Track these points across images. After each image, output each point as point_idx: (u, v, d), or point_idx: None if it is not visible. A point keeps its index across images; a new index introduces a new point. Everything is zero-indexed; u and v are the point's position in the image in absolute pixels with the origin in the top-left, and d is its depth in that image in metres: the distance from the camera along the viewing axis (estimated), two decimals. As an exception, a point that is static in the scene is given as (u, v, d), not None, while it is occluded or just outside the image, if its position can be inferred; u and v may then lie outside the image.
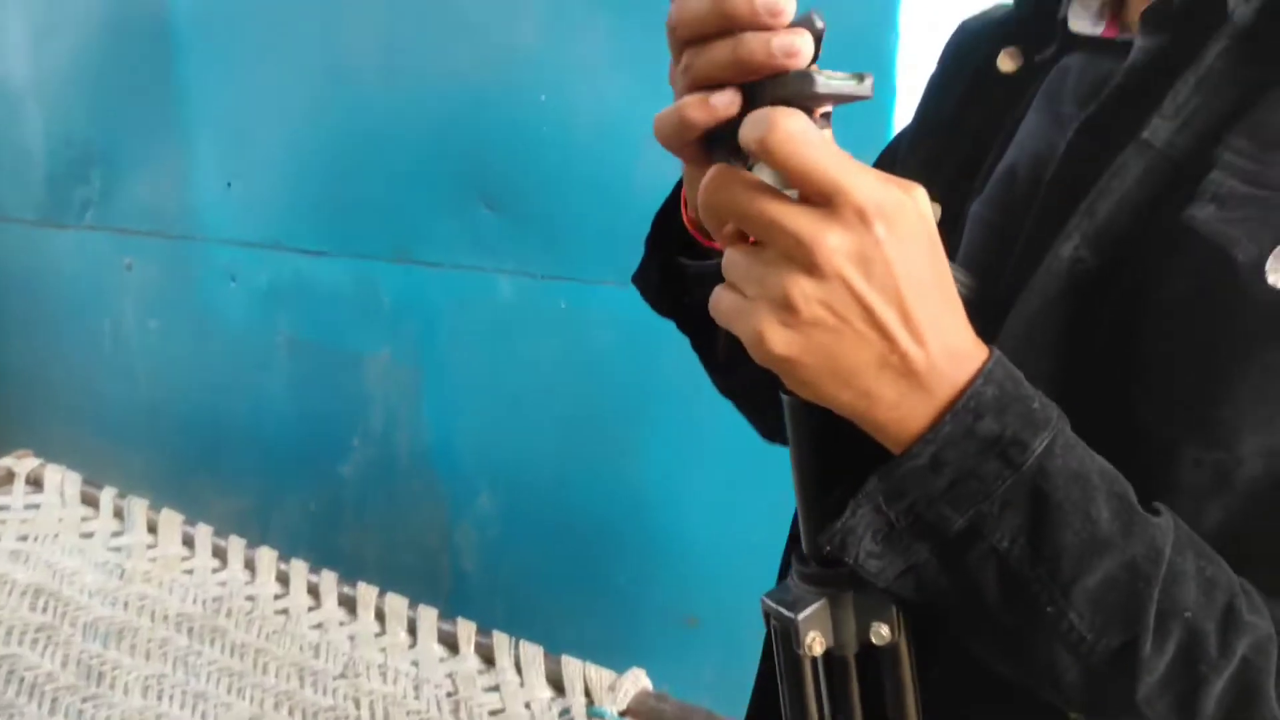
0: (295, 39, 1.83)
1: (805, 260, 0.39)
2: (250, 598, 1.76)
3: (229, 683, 1.57)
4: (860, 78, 0.42)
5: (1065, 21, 0.59)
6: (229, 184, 2.00)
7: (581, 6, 1.49)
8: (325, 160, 1.87)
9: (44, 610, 1.71)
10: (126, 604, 1.73)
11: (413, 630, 1.67)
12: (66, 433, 2.45)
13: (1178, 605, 0.42)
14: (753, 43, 0.41)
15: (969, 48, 0.68)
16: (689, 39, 0.43)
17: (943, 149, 0.64)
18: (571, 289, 1.68)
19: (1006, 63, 0.62)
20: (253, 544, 1.88)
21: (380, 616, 1.70)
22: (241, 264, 2.05)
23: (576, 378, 1.73)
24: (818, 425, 0.46)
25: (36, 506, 1.99)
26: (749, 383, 0.62)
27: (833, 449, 0.46)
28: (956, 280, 0.44)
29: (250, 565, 1.82)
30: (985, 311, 0.48)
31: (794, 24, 0.41)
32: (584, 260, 1.63)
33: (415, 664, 1.62)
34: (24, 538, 1.89)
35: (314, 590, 1.76)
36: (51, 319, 2.42)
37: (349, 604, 1.73)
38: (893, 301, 0.41)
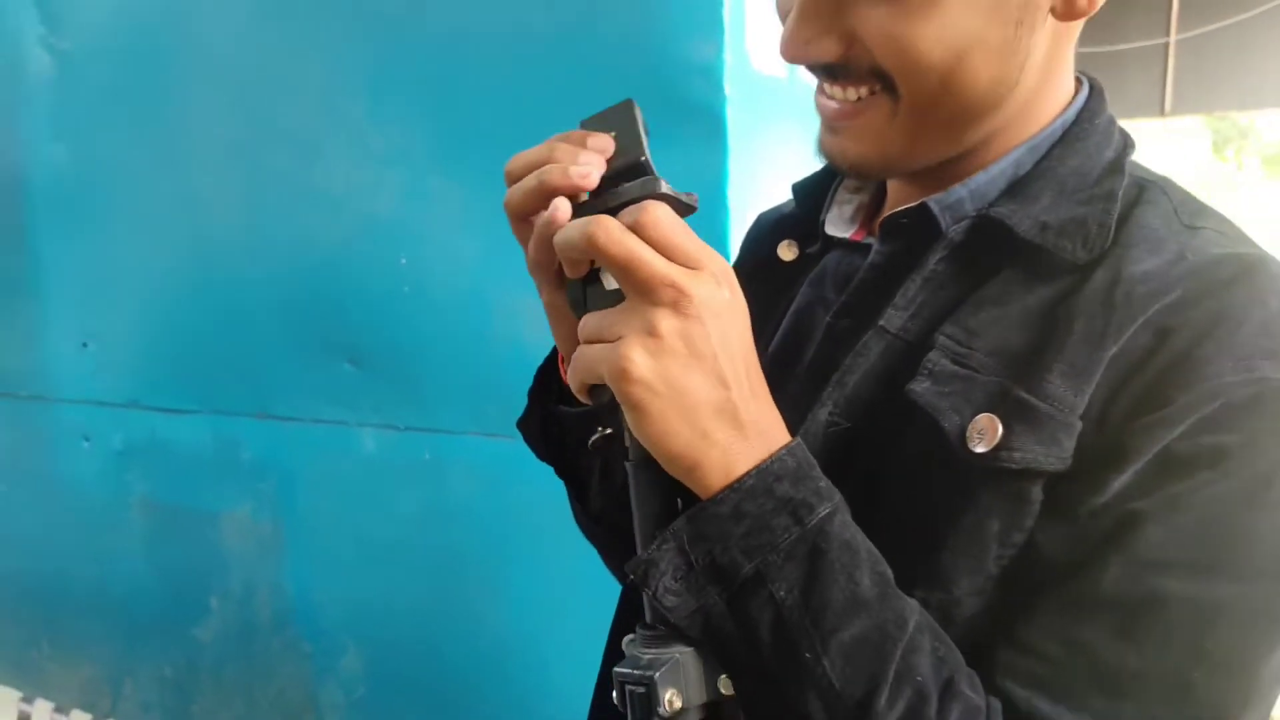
0: (155, 201, 1.86)
1: (674, 301, 0.48)
2: (91, 780, 1.67)
3: None
4: (690, 195, 0.55)
5: (824, 224, 0.69)
6: (85, 344, 1.98)
7: (437, 178, 1.58)
8: (185, 319, 1.88)
9: None
10: (-49, 797, 1.61)
11: (269, 804, 1.60)
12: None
13: (912, 670, 0.48)
14: (552, 171, 0.53)
15: (760, 237, 0.78)
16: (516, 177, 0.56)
17: None
18: (435, 440, 1.71)
19: (786, 252, 0.73)
20: (99, 717, 1.79)
21: (234, 791, 1.63)
22: (95, 424, 2.00)
23: (441, 528, 1.74)
24: (655, 485, 0.53)
25: None
26: (614, 527, 0.67)
27: (666, 513, 0.52)
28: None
29: (94, 743, 1.73)
30: None
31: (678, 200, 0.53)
32: (446, 412, 1.67)
33: (270, 842, 1.55)
34: None
35: (163, 767, 1.68)
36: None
37: (201, 780, 1.65)
38: (736, 357, 0.50)
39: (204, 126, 1.78)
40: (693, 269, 0.49)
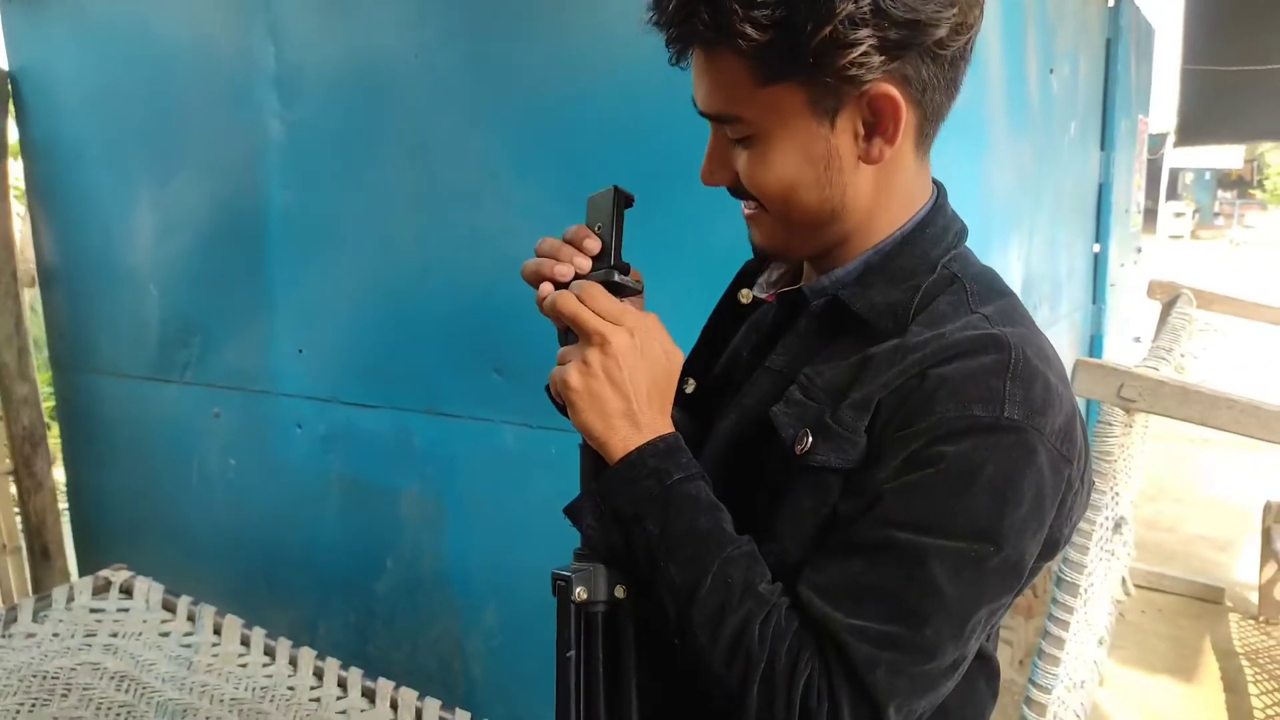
0: (356, 239, 2.33)
1: (601, 344, 0.80)
2: (291, 688, 2.13)
3: (268, 753, 1.94)
4: (638, 284, 0.90)
5: (755, 284, 1.01)
6: (300, 350, 2.48)
7: (565, 224, 1.96)
8: (374, 333, 2.34)
9: (126, 691, 2.10)
10: (191, 689, 2.11)
11: (419, 717, 2.02)
12: (156, 549, 2.89)
13: (725, 574, 0.77)
14: (545, 265, 0.89)
15: (736, 280, 1.09)
16: (539, 254, 0.90)
17: (701, 345, 1.05)
18: (560, 438, 2.09)
19: (744, 297, 1.03)
20: (298, 646, 2.27)
21: (394, 706, 2.06)
22: (306, 414, 2.50)
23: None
24: (592, 458, 0.85)
25: (127, 610, 2.41)
26: None
27: (594, 476, 0.85)
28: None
29: (293, 662, 2.20)
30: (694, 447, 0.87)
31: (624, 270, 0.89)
32: (571, 415, 2.04)
33: (418, 744, 1.97)
34: (115, 634, 2.31)
35: (342, 683, 2.13)
36: (153, 456, 2.90)
37: (370, 695, 2.09)
38: (637, 380, 0.81)
39: (394, 182, 2.23)
40: (615, 325, 0.82)
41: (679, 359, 0.88)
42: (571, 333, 0.87)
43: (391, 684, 2.09)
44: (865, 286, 0.86)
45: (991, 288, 0.86)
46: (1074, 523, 0.84)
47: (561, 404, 1.09)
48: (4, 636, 2.32)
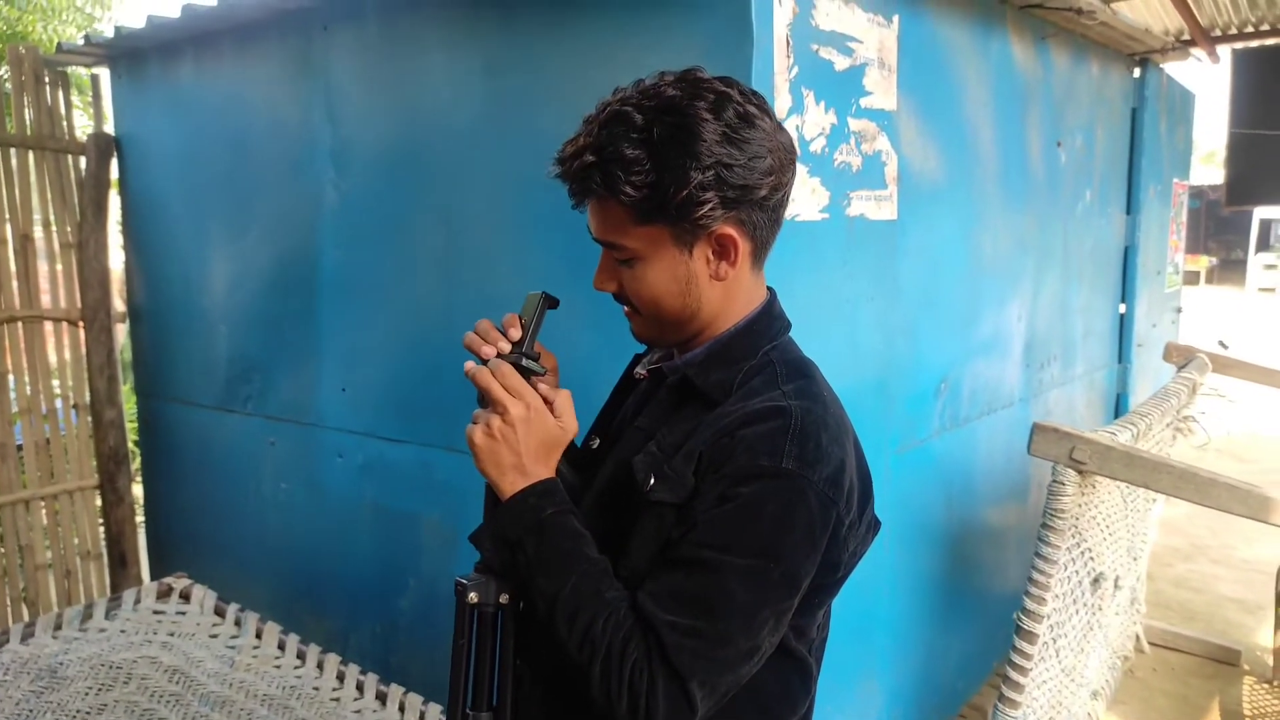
0: (392, 295, 2.63)
1: (502, 412, 1.06)
2: (316, 688, 2.42)
3: (289, 742, 2.22)
4: (542, 368, 1.13)
5: (638, 364, 1.25)
6: (343, 389, 2.79)
7: (566, 286, 2.23)
8: (405, 377, 2.63)
9: (177, 683, 2.41)
10: (231, 684, 2.41)
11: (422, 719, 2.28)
12: (216, 560, 3.22)
13: (581, 584, 1.00)
14: (473, 342, 1.12)
15: (633, 363, 1.34)
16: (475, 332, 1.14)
17: (604, 411, 1.30)
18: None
19: (640, 371, 1.28)
20: (324, 652, 2.55)
21: (401, 709, 2.32)
22: (346, 446, 2.80)
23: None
24: (491, 497, 1.10)
25: (184, 613, 2.74)
26: None
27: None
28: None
29: (320, 665, 2.49)
30: (582, 489, 1.13)
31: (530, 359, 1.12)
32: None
33: (417, 743, 2.22)
34: (172, 633, 2.64)
35: (360, 687, 2.40)
36: (217, 477, 3.24)
37: (383, 698, 2.36)
38: (527, 441, 1.06)
39: (424, 245, 2.53)
40: (515, 399, 1.07)
41: (573, 428, 1.12)
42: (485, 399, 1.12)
43: (401, 689, 2.35)
44: (706, 367, 1.12)
45: (798, 371, 1.10)
46: (853, 550, 1.08)
47: None
48: (81, 630, 2.66)
